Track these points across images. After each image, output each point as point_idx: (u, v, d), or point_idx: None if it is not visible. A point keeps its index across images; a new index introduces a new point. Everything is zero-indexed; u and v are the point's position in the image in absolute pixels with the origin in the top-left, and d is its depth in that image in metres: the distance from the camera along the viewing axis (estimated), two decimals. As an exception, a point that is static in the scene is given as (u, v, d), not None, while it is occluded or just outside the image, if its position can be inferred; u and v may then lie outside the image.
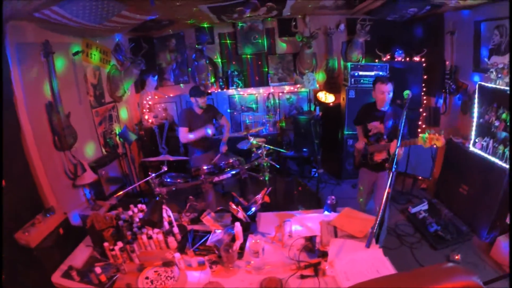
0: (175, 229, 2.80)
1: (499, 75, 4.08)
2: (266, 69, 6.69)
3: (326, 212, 3.15)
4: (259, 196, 3.10)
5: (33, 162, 3.77)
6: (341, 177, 6.24)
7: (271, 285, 2.25)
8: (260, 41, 6.49)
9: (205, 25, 6.41)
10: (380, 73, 5.49)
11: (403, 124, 2.72)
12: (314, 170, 6.19)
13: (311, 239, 2.70)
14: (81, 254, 2.91)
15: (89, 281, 2.52)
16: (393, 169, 2.45)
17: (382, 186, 3.65)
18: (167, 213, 2.89)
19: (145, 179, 3.43)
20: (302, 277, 2.34)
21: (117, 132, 5.63)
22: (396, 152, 2.55)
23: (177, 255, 2.50)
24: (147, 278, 2.45)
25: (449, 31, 5.37)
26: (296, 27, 6.08)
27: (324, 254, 2.48)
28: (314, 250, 2.61)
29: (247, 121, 6.79)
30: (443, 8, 4.99)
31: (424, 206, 4.89)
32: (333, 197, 3.25)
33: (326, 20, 6.33)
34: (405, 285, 1.11)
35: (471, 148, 4.49)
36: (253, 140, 4.41)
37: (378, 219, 2.27)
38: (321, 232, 2.74)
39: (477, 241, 4.21)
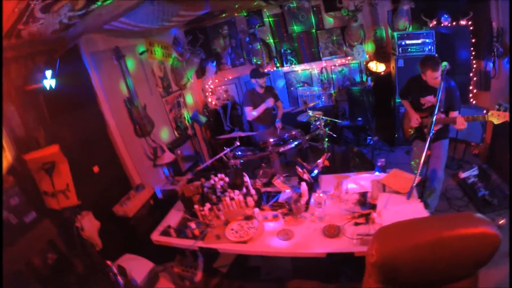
0: (252, 191, 3.59)
1: None
2: (317, 45, 7.13)
3: (376, 173, 3.70)
4: (320, 161, 3.77)
5: (119, 149, 4.74)
6: (394, 144, 6.53)
7: (331, 230, 2.93)
8: (307, 18, 6.94)
9: (254, 9, 6.99)
10: (427, 40, 5.70)
11: (440, 95, 3.04)
12: (369, 138, 6.60)
13: (363, 195, 3.33)
14: (174, 217, 3.77)
15: (184, 236, 3.34)
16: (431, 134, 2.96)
17: (438, 155, 3.95)
18: (245, 179, 3.69)
19: (221, 154, 4.26)
20: (356, 224, 2.99)
21: (186, 116, 6.52)
22: (434, 119, 2.99)
23: (256, 210, 3.29)
24: (232, 229, 3.24)
25: (495, -7, 5.45)
26: (341, 2, 6.45)
27: (374, 206, 3.10)
28: (365, 203, 3.23)
29: (303, 96, 7.33)
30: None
31: (474, 172, 5.03)
32: (383, 159, 3.77)
33: (370, -9, 6.59)
34: (427, 227, 1.46)
35: None
36: (311, 113, 5.02)
37: (419, 177, 2.80)
38: (372, 189, 3.31)
39: None
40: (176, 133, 6.17)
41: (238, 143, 4.45)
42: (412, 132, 4.18)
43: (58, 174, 3.21)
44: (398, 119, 6.12)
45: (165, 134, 5.82)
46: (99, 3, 2.90)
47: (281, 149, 4.58)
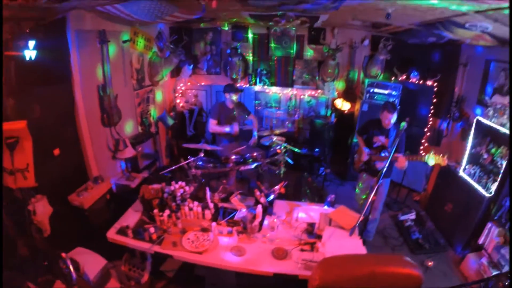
0: (210, 205, 3.83)
1: (496, 114, 4.83)
2: (292, 72, 7.57)
3: (325, 207, 4.14)
4: (277, 187, 4.09)
5: (83, 136, 4.69)
6: (345, 179, 7.08)
7: (280, 252, 3.27)
8: (290, 45, 7.35)
9: (242, 24, 7.28)
10: (393, 92, 6.31)
11: (395, 146, 3.62)
12: (322, 168, 6.94)
13: (311, 225, 3.76)
14: (131, 217, 3.87)
15: (142, 238, 3.47)
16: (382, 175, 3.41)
17: (380, 191, 4.65)
18: (207, 193, 3.91)
19: (185, 162, 4.44)
20: (302, 250, 3.37)
21: (152, 113, 6.60)
22: (390, 159, 3.49)
23: (213, 224, 3.55)
24: (188, 239, 3.44)
25: (463, 63, 6.11)
26: (324, 39, 6.96)
27: (319, 237, 3.53)
28: (312, 233, 3.65)
29: (269, 117, 7.77)
30: (460, 40, 5.57)
31: (412, 216, 5.67)
32: (332, 195, 4.21)
33: (353, 33, 7.11)
34: (364, 263, 1.75)
35: (461, 173, 5.25)
36: (275, 139, 5.35)
37: (362, 217, 3.24)
38: (320, 220, 3.74)
39: (451, 254, 4.99)
40: (140, 128, 6.22)
41: (202, 154, 4.65)
42: (361, 165, 4.83)
43: (21, 151, 3.17)
44: (353, 156, 6.54)
45: (129, 128, 5.85)
46: None
47: (241, 168, 4.86)
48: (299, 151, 5.94)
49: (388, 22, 5.13)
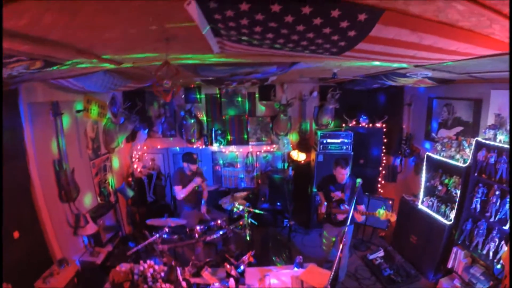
0: (183, 283, 3.78)
1: (444, 148, 5.30)
2: (246, 130, 7.84)
3: (295, 268, 4.21)
4: (245, 257, 4.18)
5: (41, 213, 4.48)
6: (309, 227, 7.23)
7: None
8: (242, 103, 7.67)
9: (194, 85, 7.50)
10: (345, 140, 6.66)
11: (354, 202, 3.87)
12: (286, 221, 7.14)
13: None
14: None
15: None
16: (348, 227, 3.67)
17: (343, 239, 4.86)
18: (178, 274, 3.89)
19: (150, 239, 4.41)
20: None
21: (110, 182, 6.51)
22: (351, 214, 3.69)
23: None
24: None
25: (407, 102, 6.71)
26: (274, 95, 7.36)
27: None
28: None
29: (228, 176, 7.94)
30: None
31: (380, 253, 5.92)
32: (300, 257, 4.33)
33: (302, 87, 7.59)
34: None
35: (420, 206, 5.66)
36: (238, 205, 5.49)
37: (332, 274, 3.34)
38: (292, 284, 3.81)
39: (425, 282, 5.27)
40: (99, 199, 6.07)
41: (167, 230, 4.65)
42: (323, 217, 5.13)
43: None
44: (314, 205, 6.89)
45: (88, 200, 5.71)
46: (55, 67, 2.92)
47: (208, 238, 4.94)
48: (262, 212, 6.08)
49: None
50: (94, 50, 2.60)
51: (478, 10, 1.41)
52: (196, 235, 4.91)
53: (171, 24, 1.87)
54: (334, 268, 3.37)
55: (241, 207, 5.46)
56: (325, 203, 5.02)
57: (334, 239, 5.11)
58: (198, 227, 4.97)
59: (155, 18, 1.75)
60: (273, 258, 5.28)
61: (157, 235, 4.45)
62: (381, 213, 4.42)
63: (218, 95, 7.66)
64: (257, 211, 5.88)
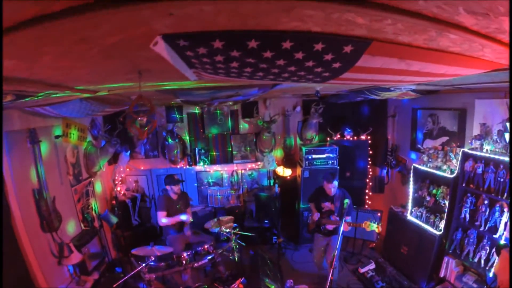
0: None
1: (430, 159, 5.37)
2: (230, 148, 7.80)
3: None
4: (235, 286, 4.18)
5: (23, 245, 4.33)
6: (298, 243, 7.19)
7: None
8: (225, 122, 7.62)
9: (176, 105, 7.44)
10: (331, 155, 6.69)
11: (344, 217, 4.18)
12: (275, 238, 7.10)
13: None
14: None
15: None
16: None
17: (332, 247, 5.03)
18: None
19: (136, 269, 4.33)
20: None
21: (93, 207, 6.37)
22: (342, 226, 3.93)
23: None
24: None
25: (391, 114, 6.79)
26: (257, 112, 7.35)
27: None
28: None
29: (213, 195, 7.88)
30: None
31: (372, 266, 5.94)
32: (291, 280, 4.40)
33: (285, 102, 7.61)
34: None
35: (409, 217, 5.71)
36: (224, 229, 5.40)
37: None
38: None
39: None
40: (82, 225, 5.93)
41: (153, 258, 4.58)
42: (313, 228, 5.32)
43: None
44: (302, 220, 6.91)
45: (71, 228, 5.55)
46: (27, 99, 2.86)
47: (196, 265, 4.91)
48: (250, 234, 6.07)
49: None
50: (65, 84, 2.56)
51: (472, 38, 1.36)
52: (184, 262, 4.83)
53: (141, 61, 1.83)
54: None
55: (227, 230, 5.39)
56: (318, 213, 5.19)
57: (323, 248, 5.30)
58: (185, 253, 4.90)
59: (123, 57, 1.71)
60: (265, 280, 5.19)
61: (143, 264, 4.38)
62: (367, 224, 4.76)
63: (200, 114, 7.62)
64: (246, 233, 5.87)
